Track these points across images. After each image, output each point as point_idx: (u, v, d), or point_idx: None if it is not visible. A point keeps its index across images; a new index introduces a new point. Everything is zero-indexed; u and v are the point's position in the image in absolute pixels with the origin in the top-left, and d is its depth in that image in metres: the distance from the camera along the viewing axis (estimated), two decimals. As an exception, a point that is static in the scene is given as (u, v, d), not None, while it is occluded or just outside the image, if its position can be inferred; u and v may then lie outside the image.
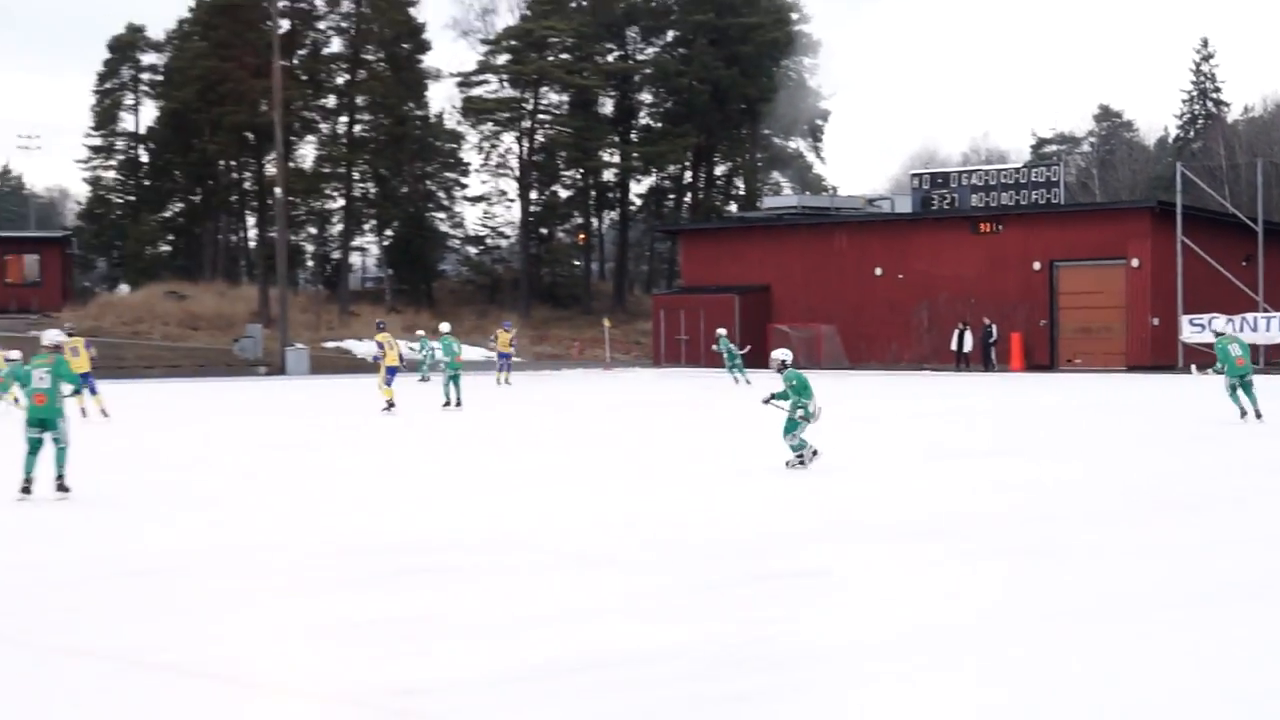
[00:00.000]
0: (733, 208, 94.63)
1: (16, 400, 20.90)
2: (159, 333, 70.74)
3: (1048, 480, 20.04)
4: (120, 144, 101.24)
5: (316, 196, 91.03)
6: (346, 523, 16.39)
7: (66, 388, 19.46)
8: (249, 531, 15.83)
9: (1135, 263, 59.09)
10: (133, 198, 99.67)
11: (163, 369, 60.91)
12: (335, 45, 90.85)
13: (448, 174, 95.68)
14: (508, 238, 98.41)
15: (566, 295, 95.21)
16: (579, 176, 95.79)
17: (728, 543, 14.48)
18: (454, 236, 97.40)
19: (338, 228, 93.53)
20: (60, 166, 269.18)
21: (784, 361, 21.86)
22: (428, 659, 9.59)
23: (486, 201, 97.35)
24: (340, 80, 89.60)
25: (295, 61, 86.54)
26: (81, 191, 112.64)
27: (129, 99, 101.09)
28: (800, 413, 21.24)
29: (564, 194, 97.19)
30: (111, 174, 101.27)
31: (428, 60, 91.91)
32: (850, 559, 13.56)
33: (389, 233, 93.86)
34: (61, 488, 18.82)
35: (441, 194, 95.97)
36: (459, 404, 38.23)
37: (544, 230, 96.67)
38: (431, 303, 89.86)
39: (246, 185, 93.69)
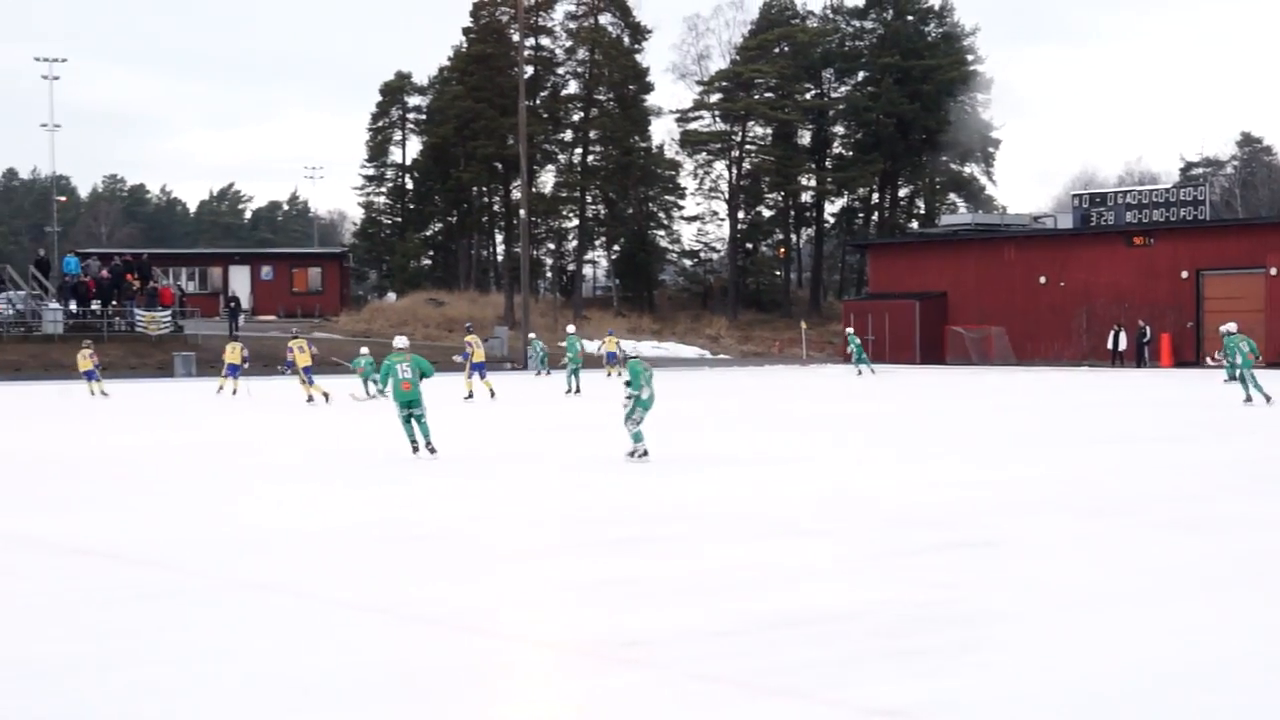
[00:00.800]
0: (914, 225, 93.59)
1: (380, 389, 22.43)
2: (420, 334, 71.79)
3: (1212, 461, 19.45)
4: (389, 173, 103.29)
5: (555, 217, 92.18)
6: (588, 494, 16.44)
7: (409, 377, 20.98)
8: (511, 502, 15.94)
9: (1273, 271, 57.58)
10: (399, 219, 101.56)
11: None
12: (572, 87, 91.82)
13: (667, 197, 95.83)
14: (718, 251, 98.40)
15: (769, 301, 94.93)
16: (780, 198, 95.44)
17: (915, 515, 14.28)
18: (672, 251, 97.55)
19: (572, 243, 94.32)
20: (339, 193, 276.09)
21: (626, 354, 21.73)
22: (653, 614, 9.55)
23: (700, 220, 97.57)
24: (576, 117, 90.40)
25: (538, 101, 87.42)
26: (357, 214, 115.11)
27: (397, 135, 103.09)
28: (630, 402, 20.17)
29: (767, 213, 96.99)
30: (382, 199, 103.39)
31: (650, 99, 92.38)
32: (1025, 530, 13.28)
33: (616, 248, 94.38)
34: (430, 449, 20.96)
35: (661, 214, 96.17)
36: (578, 391, 41.22)
37: (749, 245, 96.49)
38: (653, 308, 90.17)
39: (495, 208, 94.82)
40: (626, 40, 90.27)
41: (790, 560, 11.78)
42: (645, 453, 20.14)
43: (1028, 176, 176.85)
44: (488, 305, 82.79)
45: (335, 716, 7.23)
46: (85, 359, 42.10)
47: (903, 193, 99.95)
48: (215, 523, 14.38)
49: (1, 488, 17.59)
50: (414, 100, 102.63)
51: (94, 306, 59.87)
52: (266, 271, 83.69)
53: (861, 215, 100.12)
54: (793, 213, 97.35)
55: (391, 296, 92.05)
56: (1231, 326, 33.15)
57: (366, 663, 8.30)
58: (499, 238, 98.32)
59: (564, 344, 46.00)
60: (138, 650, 8.71)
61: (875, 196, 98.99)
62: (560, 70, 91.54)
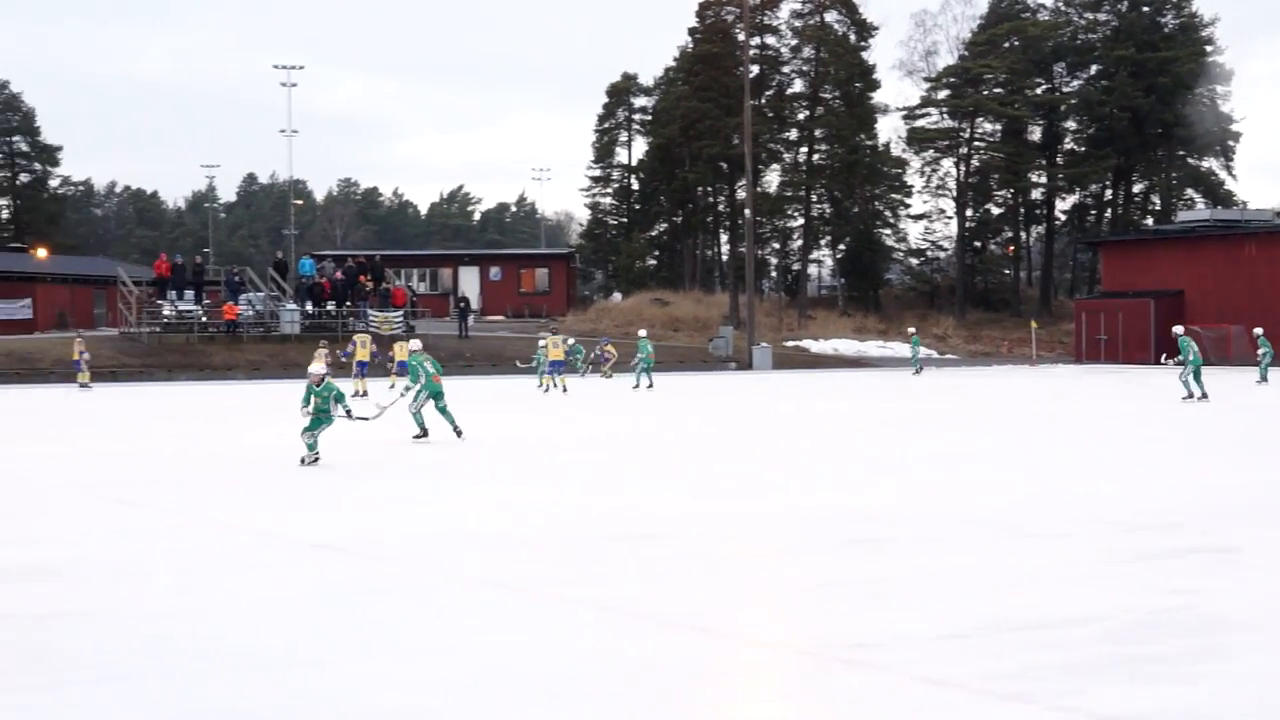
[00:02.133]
0: (1149, 221, 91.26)
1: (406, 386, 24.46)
2: (645, 333, 72.15)
3: None
4: (615, 174, 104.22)
5: (780, 216, 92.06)
6: (818, 496, 16.38)
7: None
8: (736, 499, 15.97)
9: None
10: (625, 219, 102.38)
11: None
12: (797, 85, 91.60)
13: (893, 195, 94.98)
14: (945, 250, 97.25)
15: (997, 300, 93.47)
16: (1009, 195, 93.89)
17: (1149, 519, 13.93)
18: (898, 250, 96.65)
19: (797, 243, 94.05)
20: (566, 194, 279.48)
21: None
22: (876, 616, 9.48)
23: (927, 219, 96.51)
24: (801, 116, 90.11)
25: (763, 100, 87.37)
26: (583, 215, 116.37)
27: (623, 136, 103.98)
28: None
29: (996, 211, 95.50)
30: (608, 199, 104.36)
31: (877, 97, 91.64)
32: (1270, 537, 12.86)
33: (842, 247, 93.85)
34: (458, 433, 24.11)
35: (887, 212, 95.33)
36: (650, 386, 44.86)
37: (977, 243, 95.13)
38: (878, 307, 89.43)
39: (720, 207, 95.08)
40: (852, 38, 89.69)
41: (1018, 563, 11.58)
42: (317, 459, 20.10)
43: (1271, 171, 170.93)
44: (712, 305, 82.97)
45: (566, 715, 7.32)
46: (361, 348, 42.70)
47: (1137, 189, 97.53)
48: (441, 519, 14.64)
49: (249, 485, 18.15)
50: (640, 101, 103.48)
51: (329, 307, 61.54)
52: (495, 272, 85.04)
53: (1094, 212, 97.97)
54: (1022, 210, 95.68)
55: (617, 296, 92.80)
56: (1178, 329, 37.00)
57: (597, 661, 8.39)
58: (724, 237, 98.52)
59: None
60: (370, 644, 8.92)
61: (1108, 193, 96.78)
62: (785, 69, 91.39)
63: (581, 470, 19.62)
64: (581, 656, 8.47)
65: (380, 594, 10.52)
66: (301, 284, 62.60)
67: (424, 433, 23.99)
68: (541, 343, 46.23)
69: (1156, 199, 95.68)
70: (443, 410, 24.02)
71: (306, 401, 19.81)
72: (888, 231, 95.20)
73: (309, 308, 61.47)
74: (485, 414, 31.50)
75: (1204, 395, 34.96)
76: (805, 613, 9.74)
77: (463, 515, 14.94)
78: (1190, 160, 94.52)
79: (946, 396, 39.50)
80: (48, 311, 74.75)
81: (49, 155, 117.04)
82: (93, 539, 13.48)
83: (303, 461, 19.65)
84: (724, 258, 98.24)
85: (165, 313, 59.79)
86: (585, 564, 11.83)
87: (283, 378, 52.88)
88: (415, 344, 25.02)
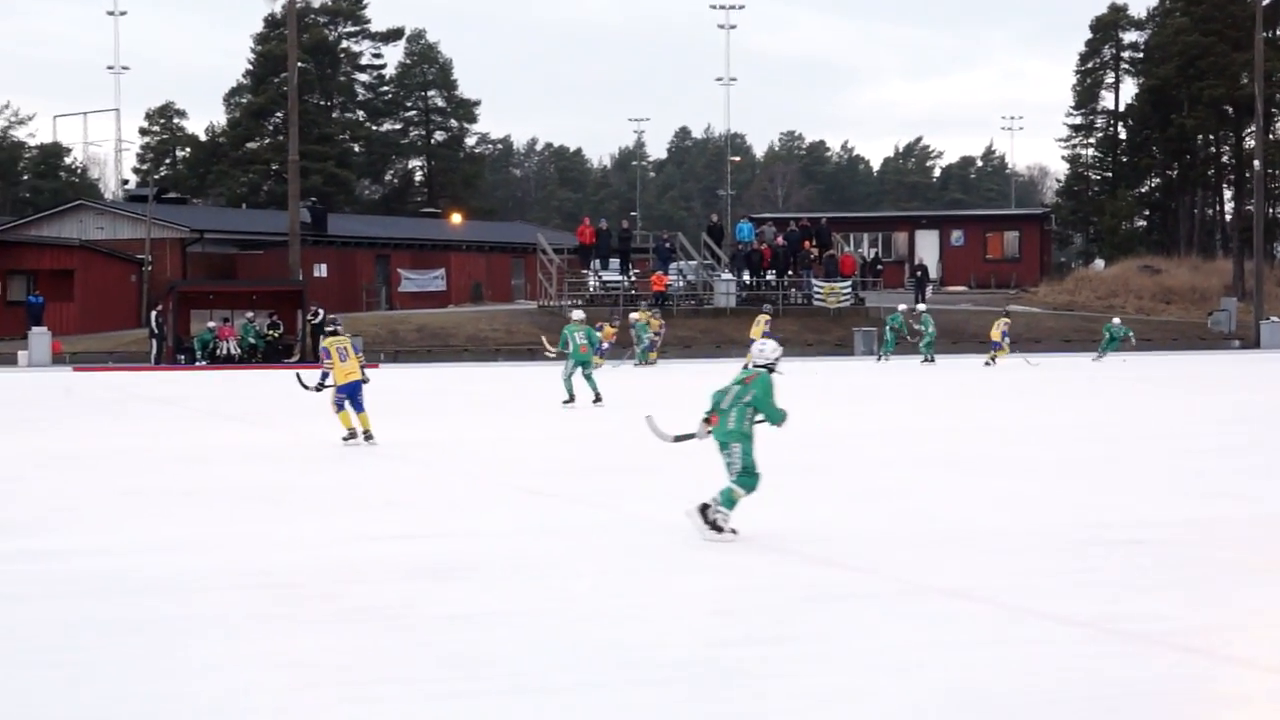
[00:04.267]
0: None
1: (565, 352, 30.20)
2: (1132, 306, 70.46)
3: None
4: (1099, 121, 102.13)
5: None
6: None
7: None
8: (1215, 502, 15.48)
9: None
10: (1109, 174, 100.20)
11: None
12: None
13: None
14: None
15: None
16: None
17: None
18: None
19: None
20: (1041, 146, 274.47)
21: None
22: None
23: None
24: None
25: (1277, 33, 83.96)
26: (1060, 169, 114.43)
27: (1109, 77, 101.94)
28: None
29: None
30: (1090, 151, 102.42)
31: None
32: None
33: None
34: (598, 399, 29.76)
35: None
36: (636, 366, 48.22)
37: None
38: None
39: (1224, 159, 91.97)
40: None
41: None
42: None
43: None
44: (1212, 273, 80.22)
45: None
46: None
47: None
48: (910, 518, 14.60)
49: (668, 475, 18.51)
50: (1129, 36, 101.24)
51: (769, 277, 62.16)
52: (957, 236, 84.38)
53: None
54: None
55: (1099, 264, 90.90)
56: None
57: (1074, 681, 8.31)
58: (1227, 194, 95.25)
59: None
60: (826, 654, 9.03)
61: None
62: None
63: (1069, 465, 19.34)
64: (1054, 676, 8.40)
65: (834, 600, 10.61)
66: (738, 250, 63.41)
67: (571, 398, 29.56)
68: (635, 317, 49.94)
69: None
70: (588, 378, 29.89)
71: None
72: None
73: (746, 277, 62.24)
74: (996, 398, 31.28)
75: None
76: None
77: (928, 512, 14.90)
78: None
79: None
80: (462, 283, 77.16)
81: (466, 111, 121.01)
82: (506, 533, 13.99)
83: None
84: (1227, 217, 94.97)
85: (589, 284, 61.14)
86: (1060, 571, 11.66)
87: (716, 356, 53.69)
88: (579, 314, 31.31)
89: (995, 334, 49.05)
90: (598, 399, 29.61)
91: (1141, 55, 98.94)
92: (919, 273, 68.29)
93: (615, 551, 12.75)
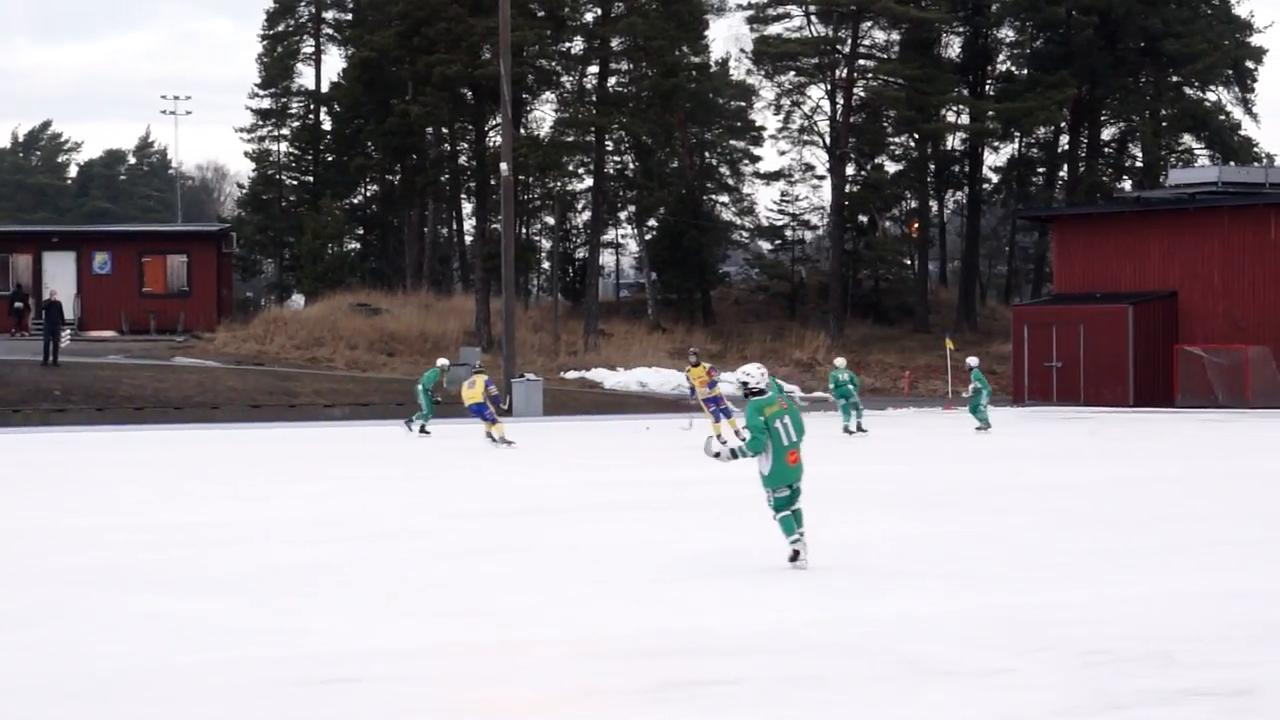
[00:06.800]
0: (1126, 185, 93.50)
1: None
2: (343, 359, 71.74)
3: None
4: (295, 107, 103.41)
5: (555, 174, 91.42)
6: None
7: None
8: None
9: None
10: (310, 178, 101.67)
11: (347, 407, 61.35)
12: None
13: (733, 142, 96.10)
14: (814, 229, 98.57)
15: (894, 306, 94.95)
16: (912, 144, 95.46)
17: None
18: (741, 228, 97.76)
19: (584, 216, 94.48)
20: (218, 137, 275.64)
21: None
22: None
23: (785, 180, 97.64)
24: (589, 18, 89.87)
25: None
26: (244, 170, 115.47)
27: (307, 46, 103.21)
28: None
29: (891, 168, 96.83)
30: (283, 146, 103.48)
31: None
32: None
33: (653, 223, 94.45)
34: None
35: (724, 170, 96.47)
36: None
37: (863, 218, 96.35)
38: (708, 317, 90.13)
39: (462, 160, 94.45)
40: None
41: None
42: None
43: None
44: (449, 313, 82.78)
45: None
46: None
47: (1106, 134, 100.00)
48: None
49: None
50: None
51: None
52: (102, 261, 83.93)
53: (1042, 171, 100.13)
54: (932, 166, 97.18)
55: (299, 300, 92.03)
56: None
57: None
58: (467, 207, 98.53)
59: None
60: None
61: (1063, 140, 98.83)
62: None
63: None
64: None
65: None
66: None
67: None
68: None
69: (1137, 150, 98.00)
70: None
71: None
72: (724, 199, 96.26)
73: None
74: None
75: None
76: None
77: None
78: (1189, 91, 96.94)
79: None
80: None
81: None
82: None
83: None
84: (467, 239, 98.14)
85: None
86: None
87: None
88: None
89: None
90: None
91: (350, 18, 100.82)
92: (46, 310, 67.32)
93: None
